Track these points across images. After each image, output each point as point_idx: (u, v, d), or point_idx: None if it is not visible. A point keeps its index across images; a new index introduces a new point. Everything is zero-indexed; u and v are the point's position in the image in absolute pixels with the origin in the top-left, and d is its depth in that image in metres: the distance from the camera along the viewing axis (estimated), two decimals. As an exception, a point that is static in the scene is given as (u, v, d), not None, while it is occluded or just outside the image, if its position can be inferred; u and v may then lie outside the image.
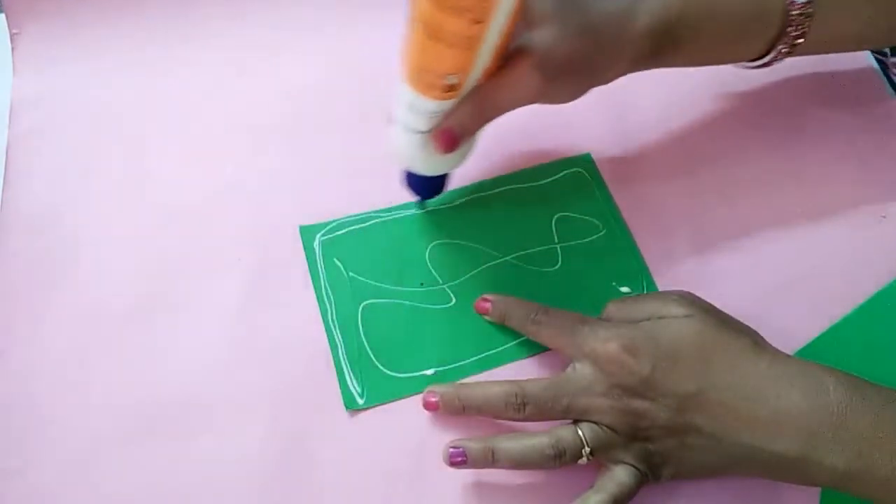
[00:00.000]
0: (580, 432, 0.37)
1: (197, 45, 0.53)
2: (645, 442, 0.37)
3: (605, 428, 0.37)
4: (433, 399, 0.40)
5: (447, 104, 0.38)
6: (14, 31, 0.52)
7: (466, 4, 0.32)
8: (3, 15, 0.52)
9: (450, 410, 0.40)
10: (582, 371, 0.38)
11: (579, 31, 0.37)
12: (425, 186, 0.45)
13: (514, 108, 0.40)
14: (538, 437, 0.37)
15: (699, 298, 0.40)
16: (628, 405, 0.37)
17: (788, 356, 0.38)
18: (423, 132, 0.40)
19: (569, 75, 0.39)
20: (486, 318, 0.44)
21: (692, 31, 0.40)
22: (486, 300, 0.43)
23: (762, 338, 0.39)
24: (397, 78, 0.39)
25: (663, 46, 0.40)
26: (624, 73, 0.41)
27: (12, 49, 0.52)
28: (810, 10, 0.41)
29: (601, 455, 0.37)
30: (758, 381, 0.36)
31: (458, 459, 0.38)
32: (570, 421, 0.39)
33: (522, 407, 0.38)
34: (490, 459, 0.38)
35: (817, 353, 0.43)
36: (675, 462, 0.37)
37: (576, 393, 0.38)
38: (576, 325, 0.40)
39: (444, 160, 0.41)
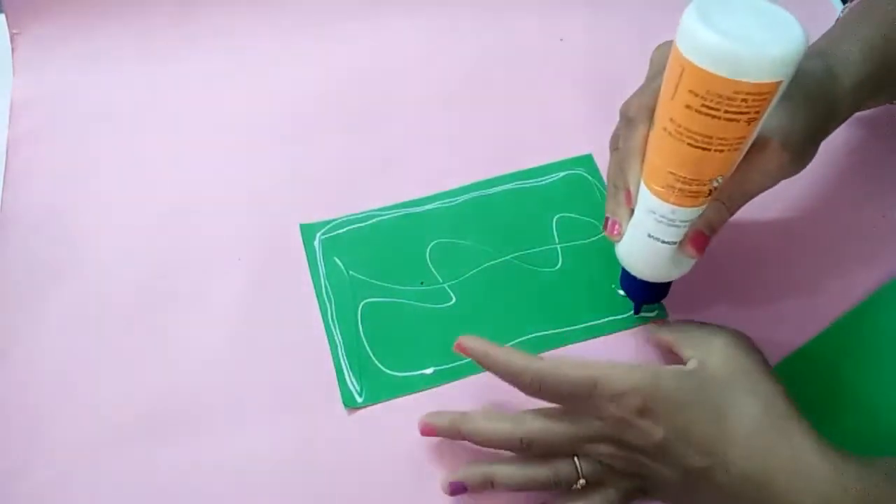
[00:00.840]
0: (578, 467, 0.37)
1: (197, 46, 0.53)
2: (645, 480, 0.37)
3: (605, 465, 0.37)
4: (430, 428, 0.39)
5: (703, 207, 0.37)
6: (14, 31, 0.52)
7: (742, 107, 0.32)
8: (3, 15, 0.52)
9: (449, 437, 0.39)
10: (590, 421, 0.36)
11: (803, 102, 0.37)
12: (652, 292, 0.42)
13: (760, 192, 0.39)
14: (537, 468, 0.37)
15: (742, 347, 0.38)
16: (635, 458, 0.36)
17: (816, 439, 0.35)
18: (675, 242, 0.38)
19: (810, 145, 0.39)
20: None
21: (889, 80, 0.41)
22: (462, 345, 0.39)
23: (791, 401, 0.36)
24: (642, 193, 0.38)
25: (864, 97, 0.41)
26: (836, 128, 0.42)
27: (12, 49, 0.52)
28: None
29: (595, 483, 0.37)
30: (774, 470, 0.34)
31: (458, 489, 0.38)
32: None
33: (527, 450, 0.37)
34: (489, 487, 0.38)
35: (817, 352, 0.43)
36: (672, 499, 0.37)
37: (582, 439, 0.37)
38: (584, 392, 0.36)
39: (683, 264, 0.40)
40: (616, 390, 0.35)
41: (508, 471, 0.37)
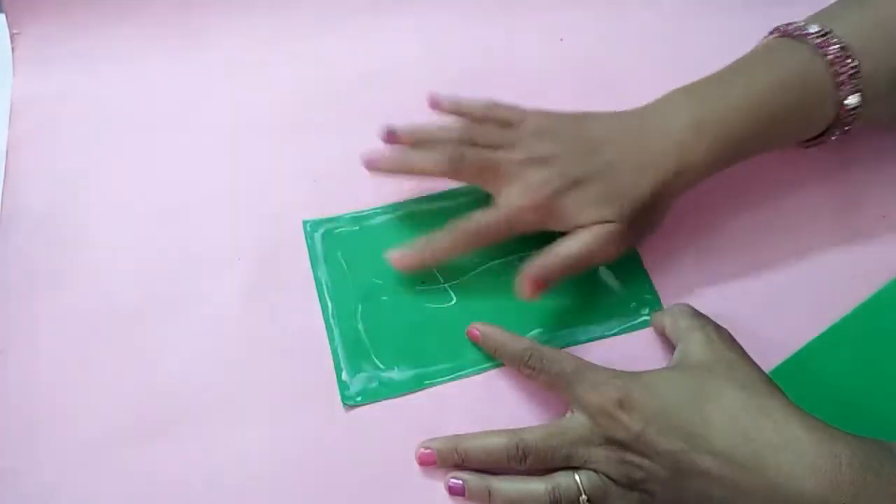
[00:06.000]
0: (578, 480, 0.37)
1: (197, 45, 0.53)
2: (643, 493, 0.37)
3: (603, 476, 0.37)
4: (428, 453, 0.40)
5: None
6: (14, 31, 0.52)
7: None
8: (3, 15, 0.52)
9: (448, 465, 0.39)
10: (579, 419, 0.38)
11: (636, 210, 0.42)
12: None
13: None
14: (536, 482, 0.37)
15: (723, 340, 0.39)
16: (624, 457, 0.36)
17: (801, 415, 0.35)
18: None
19: (643, 237, 0.45)
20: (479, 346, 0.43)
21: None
22: (476, 329, 0.43)
23: (774, 386, 0.37)
24: None
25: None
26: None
27: (12, 49, 0.52)
28: (858, 110, 0.43)
29: (599, 502, 0.37)
30: (759, 447, 0.34)
31: (457, 491, 0.39)
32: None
33: (524, 459, 0.38)
34: (486, 499, 0.38)
35: (817, 353, 0.44)
36: None
37: (574, 443, 0.37)
38: (571, 374, 0.39)
39: None
40: (597, 379, 0.38)
41: (507, 484, 0.38)
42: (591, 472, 0.37)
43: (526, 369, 0.40)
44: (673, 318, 0.42)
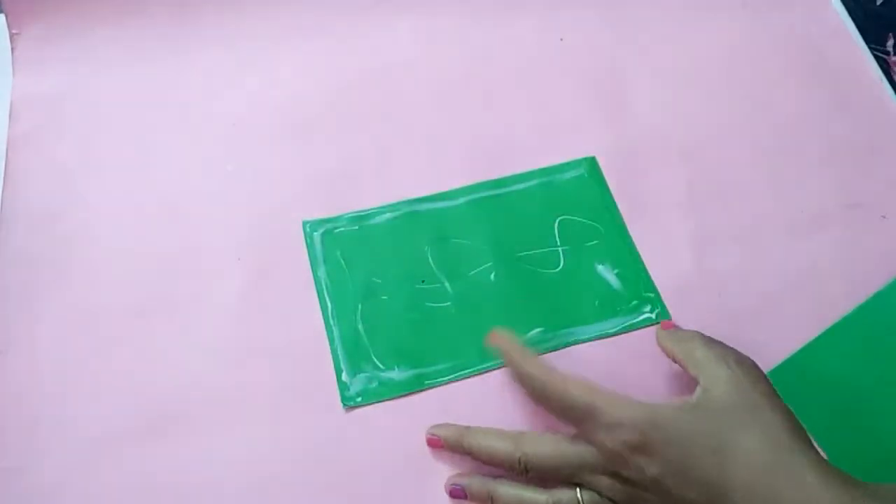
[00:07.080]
0: (580, 498, 0.36)
1: (198, 45, 0.53)
2: None
3: (605, 498, 0.36)
4: (436, 438, 0.40)
5: None
6: (14, 31, 0.52)
7: None
8: (3, 15, 0.52)
9: (454, 451, 0.40)
10: (589, 449, 0.36)
11: None
12: None
13: None
14: (538, 494, 0.37)
15: (749, 378, 0.37)
16: (635, 493, 0.35)
17: (819, 468, 0.33)
18: None
19: None
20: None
21: None
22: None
23: (797, 429, 0.35)
24: None
25: None
26: None
27: (12, 49, 0.52)
28: None
29: None
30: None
31: (458, 494, 0.39)
32: None
33: (525, 472, 0.37)
34: (489, 502, 0.38)
35: (817, 353, 0.44)
36: None
37: (580, 467, 0.36)
38: (577, 415, 0.36)
39: None
40: (610, 421, 0.35)
41: (509, 491, 0.37)
42: (594, 492, 0.36)
43: (532, 396, 0.39)
44: (685, 347, 0.39)
